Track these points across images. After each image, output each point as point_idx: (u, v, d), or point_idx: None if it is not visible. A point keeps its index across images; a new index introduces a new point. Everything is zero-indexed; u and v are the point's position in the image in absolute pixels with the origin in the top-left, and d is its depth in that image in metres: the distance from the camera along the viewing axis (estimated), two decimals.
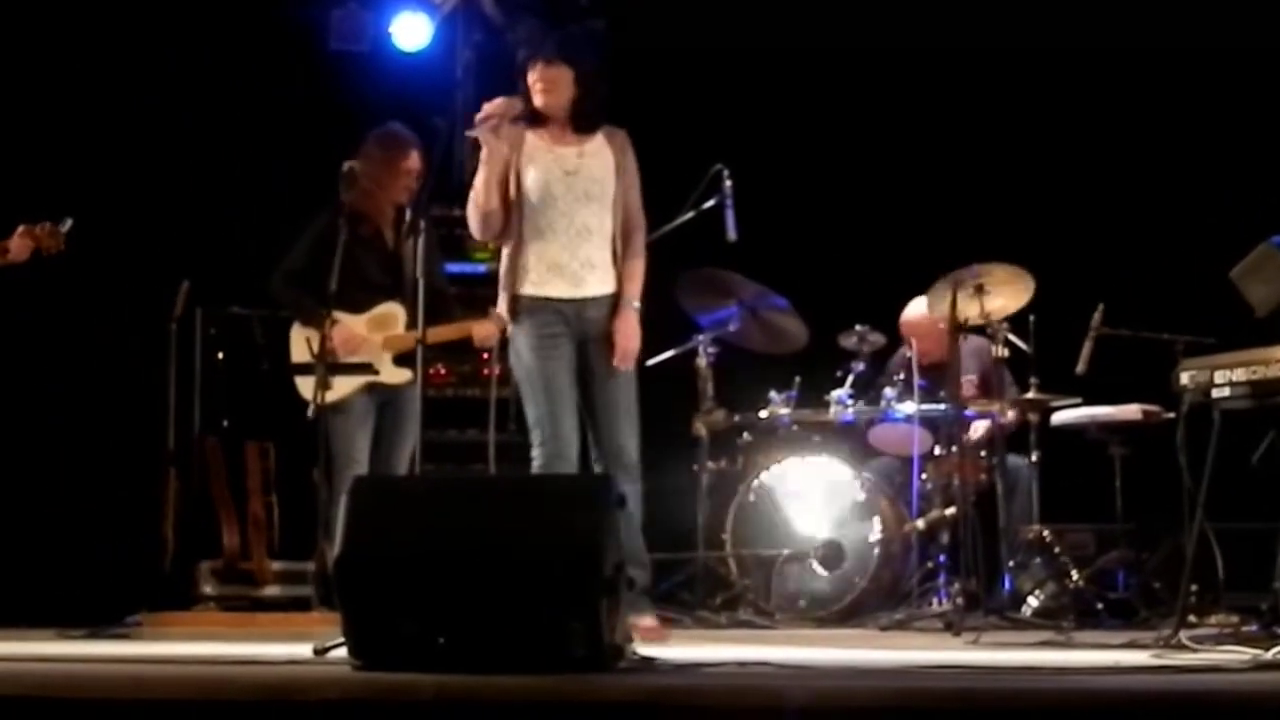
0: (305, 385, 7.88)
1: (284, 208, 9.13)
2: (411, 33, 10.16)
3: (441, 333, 7.77)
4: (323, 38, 10.19)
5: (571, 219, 7.04)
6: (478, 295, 8.34)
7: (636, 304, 7.06)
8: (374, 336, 7.98)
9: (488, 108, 7.03)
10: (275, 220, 8.94)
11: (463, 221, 9.59)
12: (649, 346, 7.83)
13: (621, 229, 7.11)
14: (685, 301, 9.01)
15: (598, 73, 7.16)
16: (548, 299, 7.03)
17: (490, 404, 8.52)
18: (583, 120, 7.14)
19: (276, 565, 8.85)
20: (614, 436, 7.01)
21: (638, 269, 7.12)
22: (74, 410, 9.58)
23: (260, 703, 4.63)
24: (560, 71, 7.12)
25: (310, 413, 7.79)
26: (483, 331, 7.93)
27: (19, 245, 7.44)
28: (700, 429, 8.97)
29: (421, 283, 6.93)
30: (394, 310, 8.02)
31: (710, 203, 8.32)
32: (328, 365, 7.75)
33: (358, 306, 7.95)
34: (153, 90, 9.87)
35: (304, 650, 5.81)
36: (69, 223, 7.50)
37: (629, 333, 7.03)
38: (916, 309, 8.96)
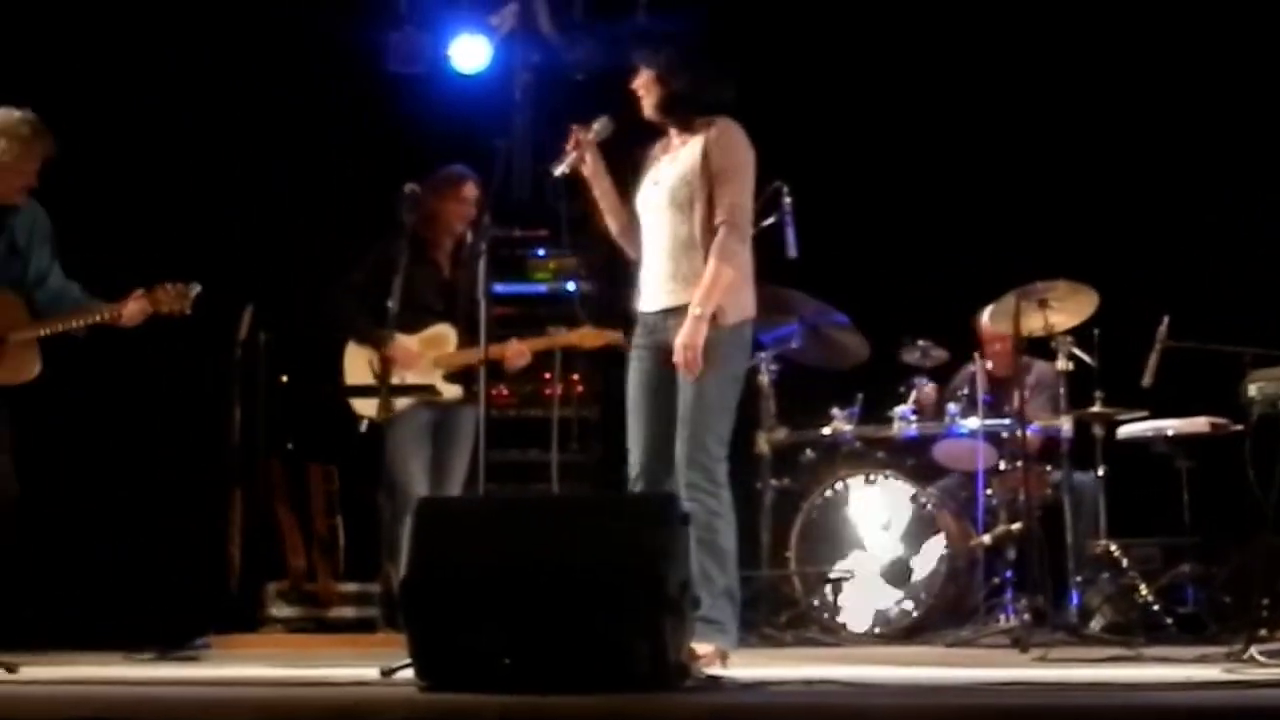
0: (359, 404, 7.98)
1: (344, 230, 9.18)
2: (470, 55, 10.19)
3: (478, 354, 7.82)
4: (381, 60, 10.22)
5: (655, 230, 6.77)
6: (538, 315, 8.38)
7: (698, 310, 6.57)
8: (426, 353, 8.06)
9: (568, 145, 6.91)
10: (335, 242, 8.99)
11: (521, 242, 9.74)
12: None
13: (707, 230, 6.63)
14: None
15: (677, 67, 6.78)
16: (641, 312, 6.89)
17: (553, 423, 8.54)
18: (673, 120, 6.83)
19: (342, 586, 8.89)
20: (678, 448, 6.71)
21: (710, 272, 6.55)
22: (140, 434, 9.63)
23: None
24: (643, 76, 6.85)
25: (362, 428, 7.87)
26: (512, 355, 8.05)
27: (133, 310, 7.28)
28: (763, 446, 8.95)
29: (483, 304, 6.96)
30: (445, 331, 8.17)
31: (770, 220, 8.30)
32: (390, 386, 7.81)
33: (410, 327, 8.06)
34: (214, 116, 9.93)
35: (370, 672, 5.83)
36: (198, 287, 7.36)
37: (681, 341, 6.58)
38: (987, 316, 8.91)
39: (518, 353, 8.07)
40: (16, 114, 7.18)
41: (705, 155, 6.65)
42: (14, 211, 7.22)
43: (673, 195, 6.71)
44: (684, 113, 6.78)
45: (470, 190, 8.21)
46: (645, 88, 6.85)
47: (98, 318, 7.25)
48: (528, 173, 10.20)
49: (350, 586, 8.88)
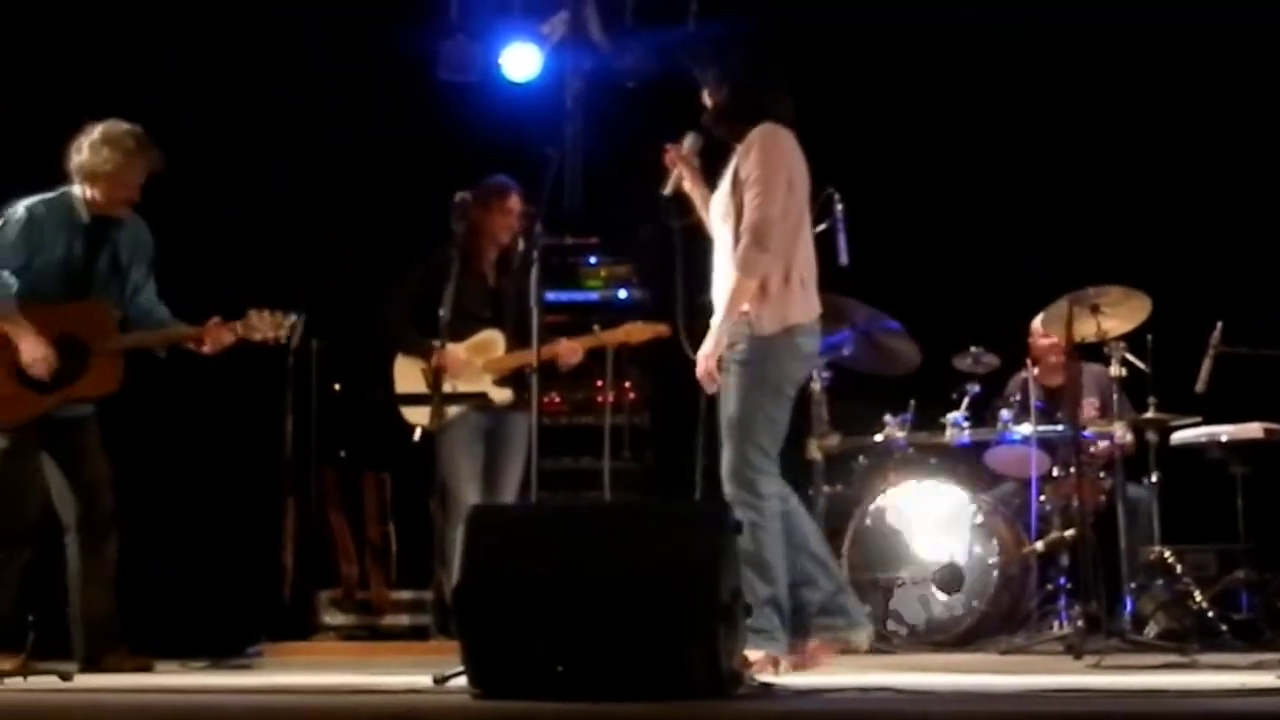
0: (411, 412, 8.02)
1: (396, 238, 9.21)
2: (521, 63, 10.21)
3: (528, 356, 7.84)
4: (432, 70, 10.25)
5: (718, 243, 6.76)
6: (589, 322, 8.39)
7: (716, 319, 6.60)
8: (475, 360, 8.08)
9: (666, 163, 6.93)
10: (387, 251, 9.02)
11: (574, 250, 9.75)
12: None
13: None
14: None
15: (720, 79, 6.80)
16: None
17: (605, 431, 8.54)
18: (722, 132, 6.80)
19: (395, 594, 8.91)
20: (723, 459, 6.73)
21: (735, 283, 6.56)
22: (194, 443, 9.68)
23: None
24: (704, 90, 6.86)
25: (416, 436, 7.91)
26: (565, 352, 8.10)
27: (217, 337, 7.31)
28: (815, 453, 8.94)
29: (536, 310, 6.98)
30: (494, 337, 8.22)
31: (822, 226, 8.27)
32: (441, 395, 7.85)
33: (458, 335, 8.10)
34: (266, 125, 9.97)
35: (424, 679, 5.84)
36: (294, 318, 7.38)
37: (699, 352, 6.63)
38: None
39: (570, 350, 8.11)
40: (123, 126, 7.25)
41: (737, 166, 6.65)
42: (118, 225, 7.28)
43: (721, 208, 6.73)
44: (729, 124, 6.77)
45: (514, 202, 8.26)
46: (707, 101, 6.86)
47: (177, 341, 7.30)
48: (579, 181, 10.25)
49: (403, 594, 8.90)
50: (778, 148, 6.63)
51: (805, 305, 6.67)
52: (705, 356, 6.61)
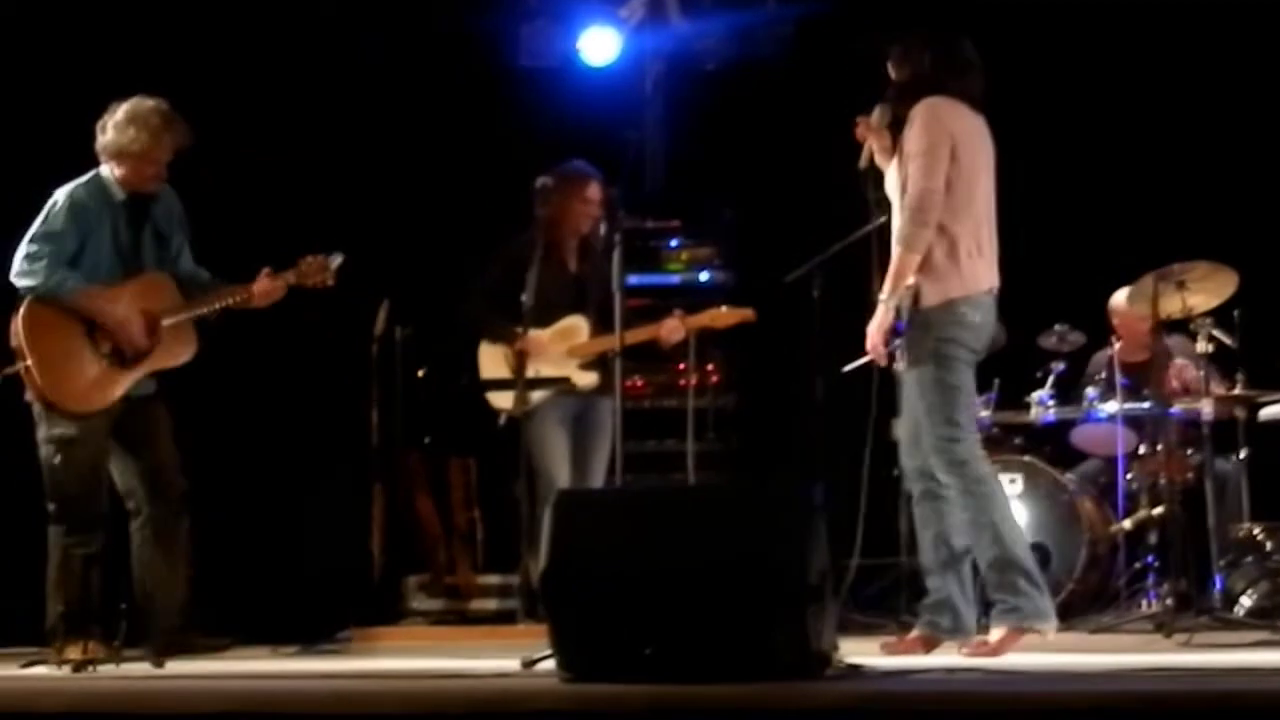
0: (496, 397, 8.04)
1: (478, 224, 9.23)
2: (600, 47, 10.21)
3: (628, 336, 7.86)
4: (512, 54, 10.27)
5: (896, 218, 6.76)
6: (671, 306, 8.40)
7: (882, 296, 6.64)
8: (559, 346, 8.09)
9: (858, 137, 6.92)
10: (470, 236, 9.04)
11: (655, 233, 9.76)
12: (850, 351, 7.77)
13: None
14: None
15: (906, 54, 6.79)
16: None
17: (688, 413, 8.55)
18: (898, 109, 6.77)
19: (482, 579, 8.94)
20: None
21: (895, 258, 6.63)
22: (281, 429, 9.73)
23: (471, 716, 4.67)
24: (889, 64, 6.86)
25: (502, 421, 7.93)
26: (668, 331, 8.08)
27: (265, 288, 7.30)
28: (899, 433, 8.89)
29: (619, 295, 6.99)
30: (577, 323, 8.21)
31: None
32: (527, 381, 7.88)
33: (541, 322, 8.11)
34: (348, 111, 10.02)
35: (512, 663, 5.86)
36: (339, 258, 7.40)
37: (868, 328, 6.70)
38: (1122, 299, 8.83)
39: (672, 329, 8.09)
40: (149, 103, 7.22)
41: (903, 140, 6.68)
42: (153, 199, 7.29)
43: (894, 182, 6.75)
44: (902, 99, 6.77)
45: (594, 190, 8.24)
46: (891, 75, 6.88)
47: (231, 300, 7.28)
48: (659, 164, 10.25)
49: (490, 578, 8.93)
50: (938, 121, 6.64)
51: (973, 277, 6.68)
52: (871, 332, 6.66)
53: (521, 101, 10.13)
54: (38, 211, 7.17)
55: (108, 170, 7.20)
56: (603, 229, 8.17)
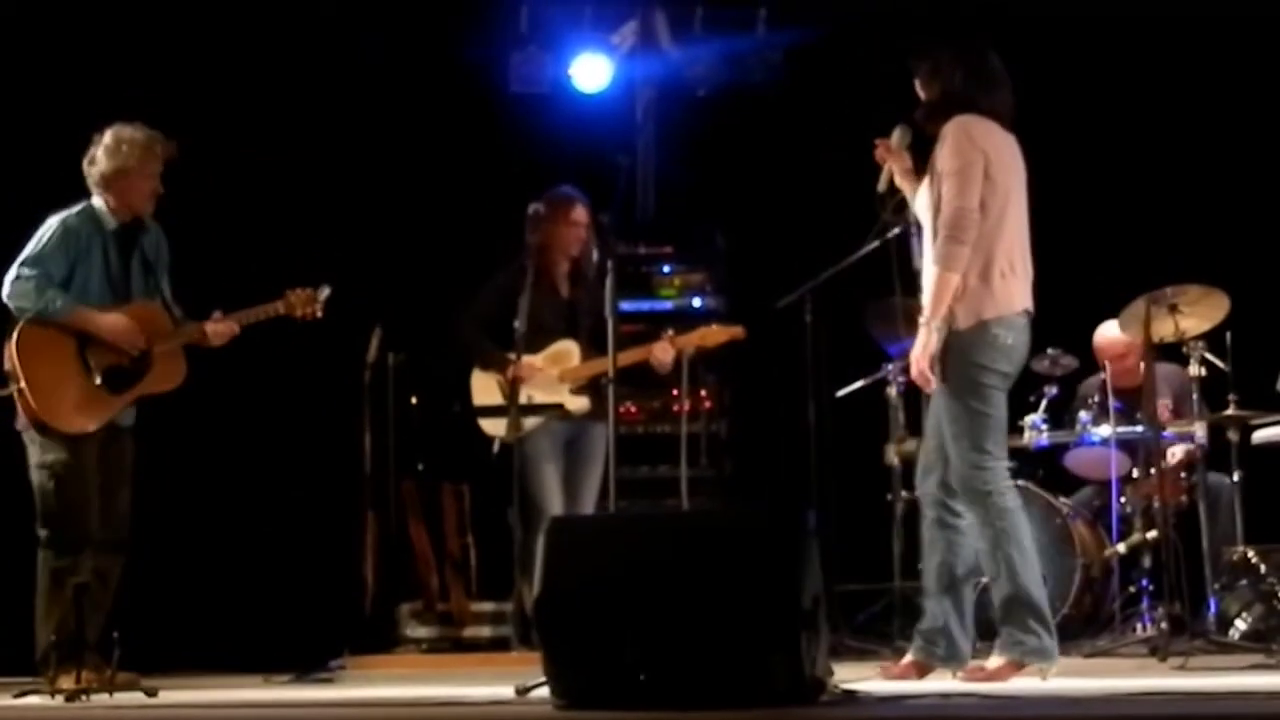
0: (489, 424, 8.03)
1: (471, 250, 9.23)
2: (591, 74, 10.24)
3: (620, 359, 7.85)
4: (503, 81, 10.29)
5: (926, 239, 6.71)
6: (658, 333, 8.40)
7: (923, 318, 6.55)
8: (551, 370, 8.09)
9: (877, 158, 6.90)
10: (463, 263, 9.05)
11: (647, 259, 9.77)
12: (839, 377, 7.77)
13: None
14: (874, 331, 8.94)
15: (935, 72, 6.69)
16: None
17: (681, 439, 8.55)
18: (928, 129, 6.71)
19: (476, 606, 8.93)
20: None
21: (933, 280, 6.53)
22: (273, 457, 9.73)
23: None
24: (917, 83, 6.77)
25: (495, 449, 7.90)
26: (659, 352, 8.07)
27: (216, 330, 7.27)
28: (893, 458, 8.90)
29: (611, 320, 6.99)
30: (569, 347, 8.21)
31: (896, 231, 8.27)
32: (518, 406, 7.87)
33: (533, 347, 8.11)
34: (338, 137, 10.03)
35: (506, 690, 5.86)
36: (327, 290, 7.44)
37: (912, 354, 6.60)
38: (1109, 331, 8.84)
39: (664, 349, 8.08)
40: (129, 127, 7.30)
41: (934, 159, 6.62)
42: (143, 230, 7.33)
43: (925, 202, 6.69)
44: (932, 118, 6.70)
45: (579, 213, 8.25)
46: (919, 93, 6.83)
47: (187, 338, 7.32)
48: (651, 189, 10.27)
49: (484, 605, 8.92)
50: (971, 139, 6.55)
51: (1006, 298, 6.58)
52: (916, 358, 6.57)
53: (513, 128, 10.14)
54: (30, 237, 7.20)
55: (100, 201, 7.26)
56: (595, 254, 8.18)
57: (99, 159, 7.25)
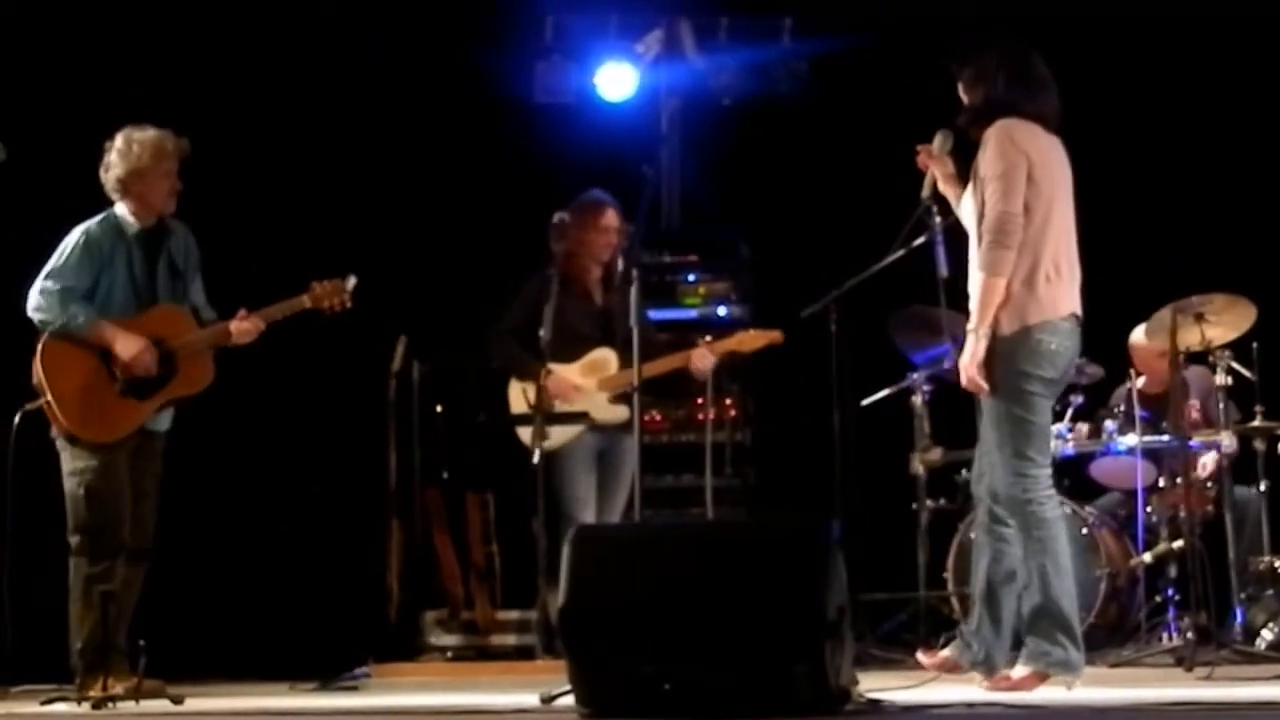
0: (527, 435, 8.00)
1: (495, 260, 9.24)
2: (616, 83, 10.24)
3: (657, 366, 7.86)
4: (528, 91, 10.29)
5: (971, 245, 6.66)
6: (690, 340, 8.40)
7: (970, 325, 6.52)
8: (588, 381, 8.08)
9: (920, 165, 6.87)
10: (487, 273, 9.06)
11: (672, 268, 9.78)
12: (864, 386, 7.73)
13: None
14: (899, 340, 8.95)
15: (978, 76, 6.66)
16: None
17: (706, 448, 8.54)
18: (970, 133, 6.67)
19: (500, 614, 8.93)
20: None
21: (979, 286, 6.50)
22: (299, 466, 9.74)
23: None
24: (960, 87, 6.74)
25: (535, 459, 7.86)
26: (697, 359, 8.06)
27: (240, 328, 7.23)
28: (918, 467, 8.90)
29: (636, 329, 6.99)
30: (606, 355, 8.18)
31: (921, 239, 8.25)
32: (546, 415, 7.86)
33: (569, 357, 8.09)
34: (364, 148, 10.05)
35: (530, 699, 5.86)
36: (354, 279, 7.41)
37: (960, 361, 6.57)
38: (1141, 335, 8.81)
39: (701, 355, 8.08)
40: (136, 129, 7.30)
41: (977, 164, 6.58)
42: (168, 233, 7.32)
43: (969, 207, 6.66)
44: (975, 123, 6.66)
45: (610, 218, 8.22)
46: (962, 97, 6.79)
47: (216, 336, 7.31)
48: (676, 198, 10.27)
49: (509, 614, 8.93)
50: (1014, 143, 6.51)
51: (1051, 302, 6.54)
52: (965, 365, 6.53)
53: (538, 138, 10.15)
54: (53, 249, 7.21)
55: (121, 208, 7.26)
56: (621, 262, 8.17)
57: (113, 164, 7.26)
